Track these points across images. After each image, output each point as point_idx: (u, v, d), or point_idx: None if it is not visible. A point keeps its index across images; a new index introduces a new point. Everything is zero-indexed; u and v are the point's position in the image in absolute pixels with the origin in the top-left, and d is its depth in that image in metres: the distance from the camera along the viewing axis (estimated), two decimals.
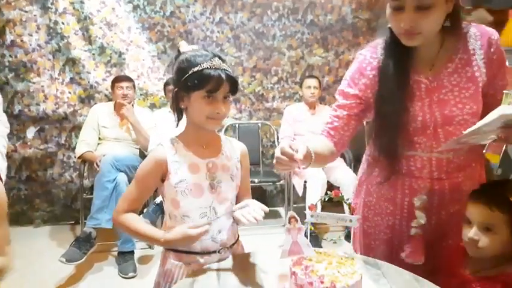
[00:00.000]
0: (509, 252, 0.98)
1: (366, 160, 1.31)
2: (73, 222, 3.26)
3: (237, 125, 3.51)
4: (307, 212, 0.94)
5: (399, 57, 1.08)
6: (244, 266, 1.07)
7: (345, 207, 1.16)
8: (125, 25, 3.19)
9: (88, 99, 3.21)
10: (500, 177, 2.79)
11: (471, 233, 0.98)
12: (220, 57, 1.05)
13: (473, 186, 1.13)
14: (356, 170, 3.04)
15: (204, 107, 1.03)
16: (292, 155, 0.91)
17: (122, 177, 2.59)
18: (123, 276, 2.45)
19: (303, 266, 0.83)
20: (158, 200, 2.66)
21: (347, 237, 2.20)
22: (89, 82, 3.18)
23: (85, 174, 2.89)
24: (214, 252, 1.11)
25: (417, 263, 1.13)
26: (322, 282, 0.78)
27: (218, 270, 1.03)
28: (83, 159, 2.84)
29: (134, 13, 3.20)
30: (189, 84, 1.01)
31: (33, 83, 3.06)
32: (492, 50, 1.06)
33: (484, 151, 2.87)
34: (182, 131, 1.13)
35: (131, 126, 2.89)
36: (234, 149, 1.18)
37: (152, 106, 3.37)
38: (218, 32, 3.38)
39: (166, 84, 3.13)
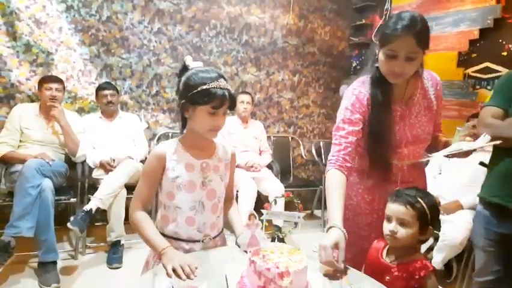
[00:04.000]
0: (416, 244, 1.25)
1: None
2: None
3: (170, 134, 3.54)
4: (263, 210, 1.09)
5: (384, 90, 1.37)
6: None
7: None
8: (56, 24, 3.05)
9: (7, 98, 2.96)
10: None
11: (391, 226, 1.23)
12: (224, 78, 1.20)
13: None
14: (282, 181, 3.30)
15: (207, 120, 1.19)
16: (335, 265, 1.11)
17: (47, 183, 2.45)
18: (44, 287, 2.30)
19: (261, 255, 0.98)
20: (87, 207, 2.57)
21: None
22: (10, 80, 2.95)
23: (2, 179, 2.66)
24: (198, 241, 1.25)
25: None
26: (278, 268, 0.93)
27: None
28: (5, 161, 2.62)
29: (67, 13, 3.08)
30: (196, 99, 1.16)
31: None
32: (438, 88, 1.45)
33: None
34: (184, 134, 1.27)
35: (59, 129, 2.76)
36: (226, 153, 1.34)
37: (81, 110, 3.24)
38: (156, 41, 3.42)
39: (98, 89, 3.06)
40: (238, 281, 1.00)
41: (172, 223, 1.25)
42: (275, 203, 1.15)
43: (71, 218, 2.51)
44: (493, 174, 1.68)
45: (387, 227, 1.24)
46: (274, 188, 3.12)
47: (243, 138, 3.38)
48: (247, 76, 3.86)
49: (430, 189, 2.74)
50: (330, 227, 1.19)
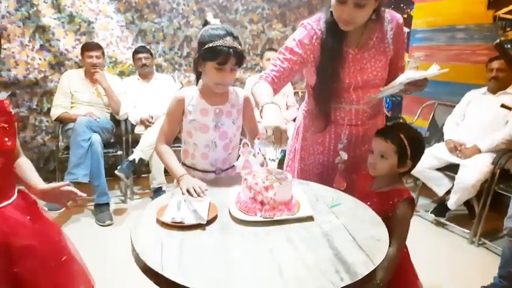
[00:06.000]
0: (396, 175, 1.38)
1: (301, 114, 1.67)
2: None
3: None
4: (256, 140, 1.29)
5: (336, 34, 1.38)
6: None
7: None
8: None
9: (58, 65, 3.35)
10: (428, 139, 3.32)
11: (372, 158, 1.37)
12: (232, 35, 1.31)
13: None
14: None
15: (214, 75, 1.35)
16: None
17: (96, 138, 2.83)
18: (100, 224, 2.72)
19: (252, 174, 1.20)
20: (131, 158, 2.94)
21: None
22: (59, 49, 3.31)
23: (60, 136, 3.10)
24: (211, 172, 1.50)
25: (341, 188, 1.53)
26: (264, 182, 1.15)
27: None
28: (61, 120, 3.04)
29: None
30: (205, 55, 1.32)
31: (4, 49, 3.14)
32: (399, 31, 1.43)
33: (401, 114, 3.38)
34: (201, 84, 1.45)
35: (103, 91, 3.10)
36: (238, 98, 1.51)
37: (121, 74, 3.56)
38: (184, 4, 3.60)
39: (134, 53, 3.34)
40: (236, 196, 1.24)
41: (191, 156, 1.51)
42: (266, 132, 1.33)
43: (118, 167, 2.91)
44: None
45: (369, 159, 1.38)
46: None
47: None
48: (273, 33, 3.96)
49: (454, 136, 2.77)
50: (266, 104, 1.25)
